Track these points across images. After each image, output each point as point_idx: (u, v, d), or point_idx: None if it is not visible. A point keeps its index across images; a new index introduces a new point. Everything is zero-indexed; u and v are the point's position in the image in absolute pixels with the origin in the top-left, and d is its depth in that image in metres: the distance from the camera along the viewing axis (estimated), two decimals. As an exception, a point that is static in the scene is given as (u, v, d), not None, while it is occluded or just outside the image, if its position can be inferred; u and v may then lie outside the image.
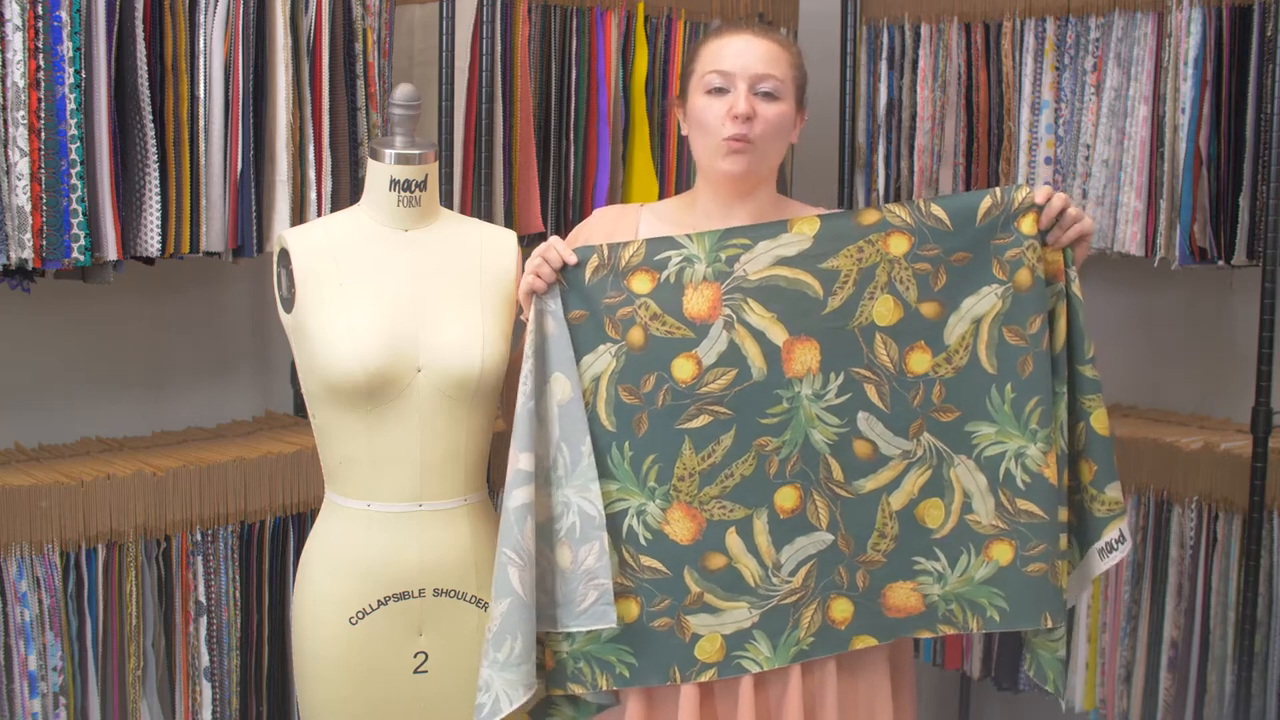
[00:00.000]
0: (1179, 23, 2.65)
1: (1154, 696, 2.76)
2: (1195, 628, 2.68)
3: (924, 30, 3.01)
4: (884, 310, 1.95)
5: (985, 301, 1.96)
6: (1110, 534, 2.03)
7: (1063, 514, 1.99)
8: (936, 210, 1.95)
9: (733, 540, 1.97)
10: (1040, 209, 1.94)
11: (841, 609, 1.99)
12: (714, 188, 2.06)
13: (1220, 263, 2.65)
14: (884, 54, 3.08)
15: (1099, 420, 2.00)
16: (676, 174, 2.97)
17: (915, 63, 3.03)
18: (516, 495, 1.93)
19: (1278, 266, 2.50)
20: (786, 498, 1.97)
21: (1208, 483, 2.66)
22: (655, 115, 2.94)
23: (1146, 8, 2.73)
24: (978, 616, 2.00)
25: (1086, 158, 2.82)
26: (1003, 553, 1.98)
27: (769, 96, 1.99)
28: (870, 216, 1.96)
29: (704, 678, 1.98)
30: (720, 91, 1.99)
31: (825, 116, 3.05)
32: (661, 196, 2.91)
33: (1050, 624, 1.98)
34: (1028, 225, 1.94)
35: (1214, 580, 2.65)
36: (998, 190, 1.96)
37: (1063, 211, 1.94)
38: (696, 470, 1.96)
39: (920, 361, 1.96)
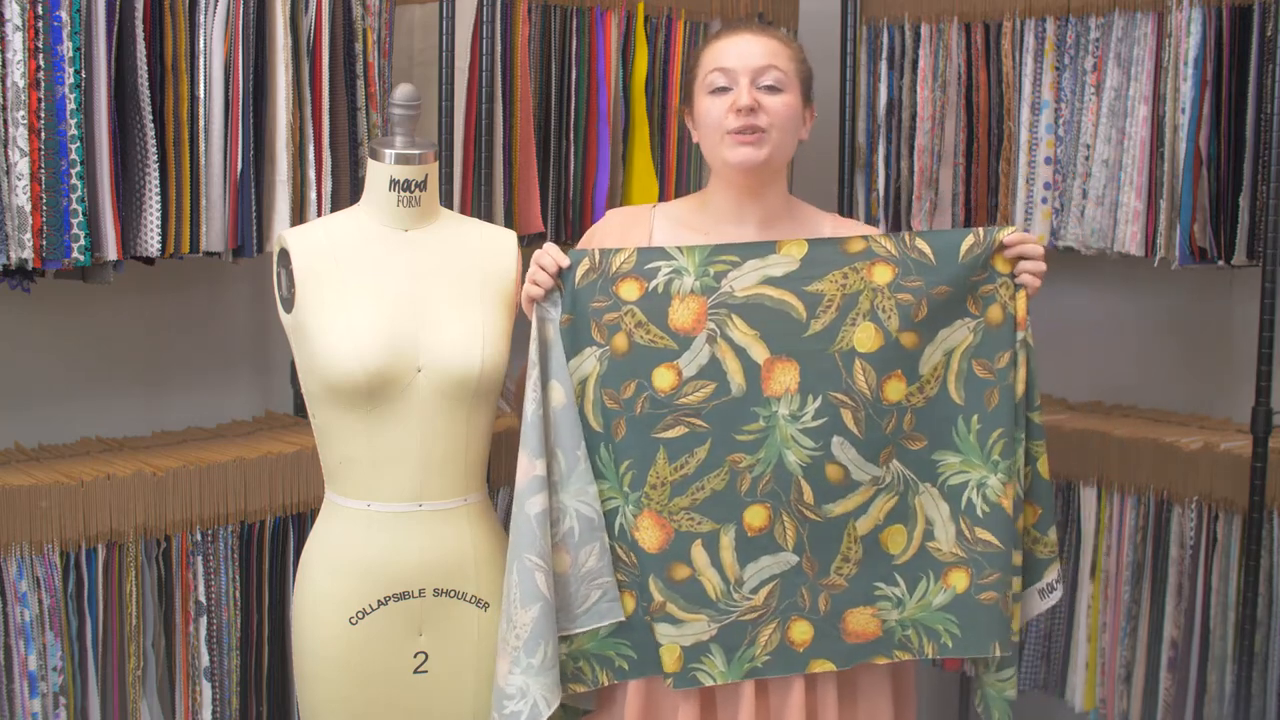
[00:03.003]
0: (1179, 23, 2.65)
1: (1154, 696, 2.75)
2: (1195, 628, 2.68)
3: (924, 30, 3.01)
4: (865, 337, 1.97)
5: (958, 334, 2.00)
6: (1050, 575, 2.10)
7: (1015, 555, 2.03)
8: (921, 244, 1.99)
9: (698, 553, 1.98)
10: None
11: (801, 631, 2.00)
12: (726, 186, 2.07)
13: (1220, 263, 2.65)
14: (884, 54, 3.08)
15: (1044, 465, 2.06)
16: (676, 174, 2.97)
17: (915, 63, 3.03)
18: (535, 501, 1.95)
19: (1278, 266, 2.50)
20: (756, 516, 1.98)
21: (1208, 483, 2.66)
22: (655, 115, 2.94)
23: (1146, 8, 2.73)
24: (932, 642, 2.04)
25: (1086, 158, 2.82)
26: (959, 580, 2.03)
27: (772, 89, 2.00)
28: (857, 245, 1.99)
29: (666, 684, 1.99)
30: (723, 90, 2.00)
31: (825, 116, 3.03)
32: (661, 196, 2.91)
33: (999, 652, 2.02)
34: (1002, 264, 2.00)
35: (1214, 580, 2.65)
36: (980, 230, 2.01)
37: (1024, 256, 2.00)
38: (668, 480, 1.97)
39: (896, 390, 1.99)
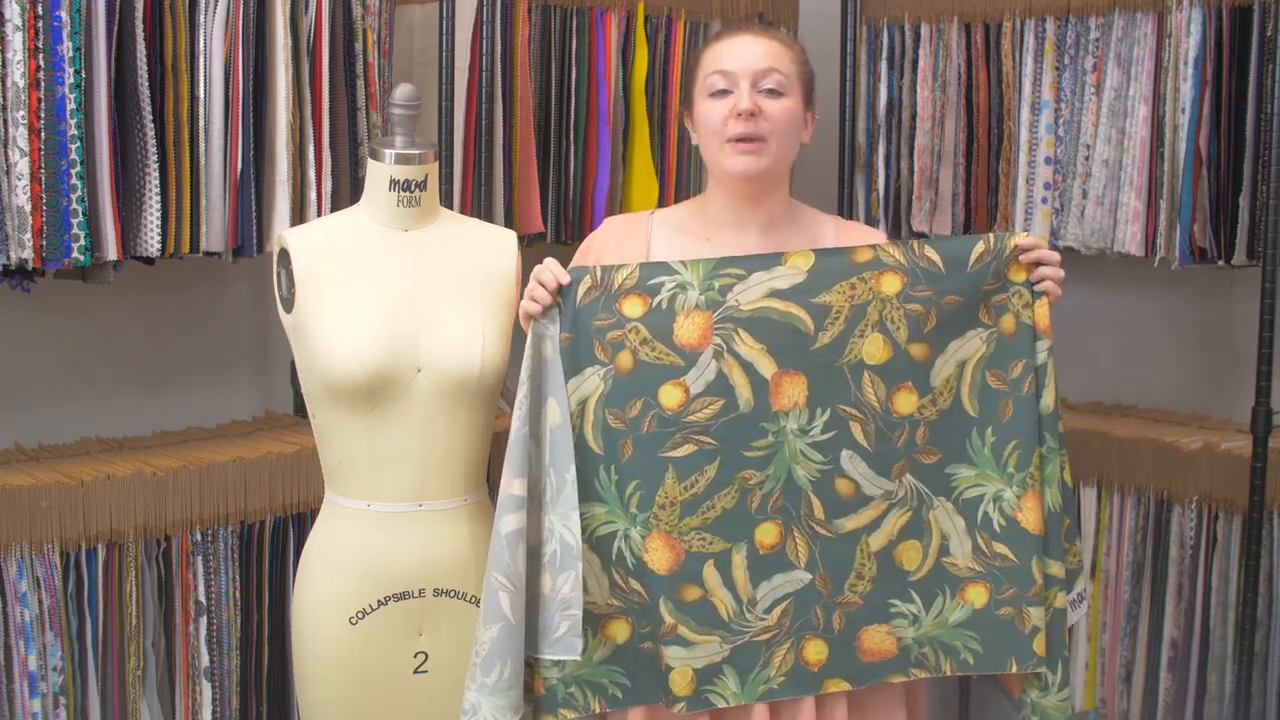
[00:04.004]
0: (1179, 23, 2.65)
1: (1154, 696, 2.76)
2: (1195, 628, 2.68)
3: (924, 30, 3.01)
4: (874, 349, 1.94)
5: (970, 344, 1.97)
6: (1079, 585, 2.07)
7: (1054, 567, 2.00)
8: (930, 252, 1.96)
9: (710, 573, 1.94)
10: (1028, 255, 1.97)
11: (816, 650, 1.97)
12: (726, 192, 2.03)
13: (1220, 263, 2.65)
14: (884, 54, 3.08)
15: (1068, 473, 2.03)
16: (676, 174, 2.97)
17: (915, 63, 3.03)
18: (508, 521, 1.92)
19: (1278, 266, 2.50)
20: (767, 533, 1.95)
21: (1208, 483, 2.66)
22: (655, 115, 2.94)
23: (1146, 8, 2.73)
24: (950, 659, 2.00)
25: (1086, 158, 2.82)
26: (978, 595, 1.99)
27: (773, 93, 1.96)
28: (865, 254, 1.95)
29: (675, 709, 1.96)
30: (724, 93, 1.97)
31: (825, 116, 3.03)
32: (662, 197, 2.91)
33: (1015, 669, 1.98)
34: (1015, 272, 1.97)
35: (1214, 580, 2.65)
36: (991, 236, 1.97)
37: (1039, 261, 1.97)
38: (678, 500, 1.93)
39: (906, 402, 1.96)
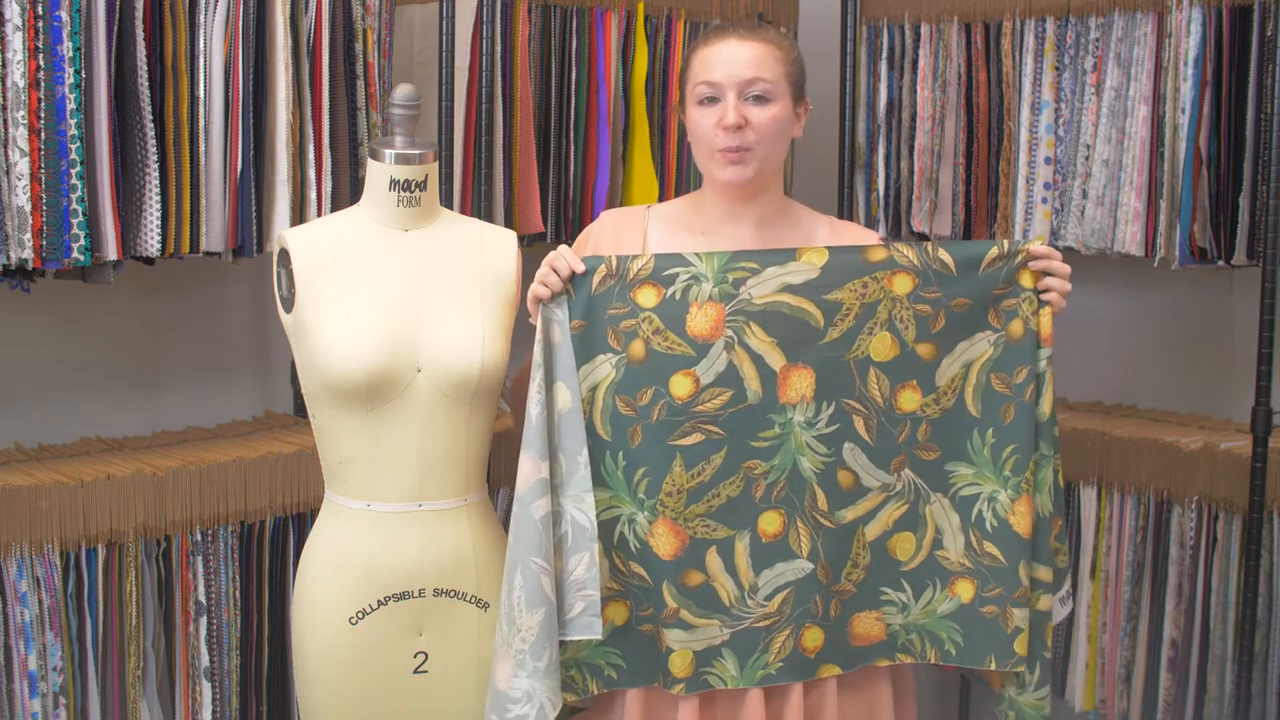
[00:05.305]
0: (1179, 23, 2.65)
1: (1154, 696, 2.76)
2: (1195, 628, 2.68)
3: (924, 30, 3.01)
4: (881, 346, 1.97)
5: (977, 347, 2.00)
6: (1067, 583, 2.11)
7: (1041, 571, 2.03)
8: (943, 255, 1.98)
9: (712, 559, 1.98)
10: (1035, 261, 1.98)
11: (813, 637, 2.00)
12: (719, 193, 2.06)
13: (1220, 263, 2.66)
14: (884, 54, 3.08)
15: (1060, 476, 2.06)
16: (676, 174, 2.98)
17: (915, 63, 3.03)
18: (540, 505, 1.94)
19: (1278, 266, 2.51)
20: (770, 522, 1.98)
21: (1208, 483, 2.66)
22: (655, 115, 2.94)
23: (1146, 8, 2.73)
24: (935, 648, 2.05)
25: (1086, 158, 2.82)
26: (965, 590, 2.03)
27: (760, 100, 1.98)
28: (878, 254, 1.98)
29: (674, 691, 1.99)
30: (711, 101, 1.99)
31: (825, 116, 3.05)
32: (661, 196, 2.91)
33: (994, 666, 2.02)
34: (1026, 278, 1.99)
35: (1214, 580, 2.65)
36: (1005, 242, 1.99)
37: (1047, 272, 1.98)
38: (685, 487, 1.96)
39: (910, 400, 1.99)
